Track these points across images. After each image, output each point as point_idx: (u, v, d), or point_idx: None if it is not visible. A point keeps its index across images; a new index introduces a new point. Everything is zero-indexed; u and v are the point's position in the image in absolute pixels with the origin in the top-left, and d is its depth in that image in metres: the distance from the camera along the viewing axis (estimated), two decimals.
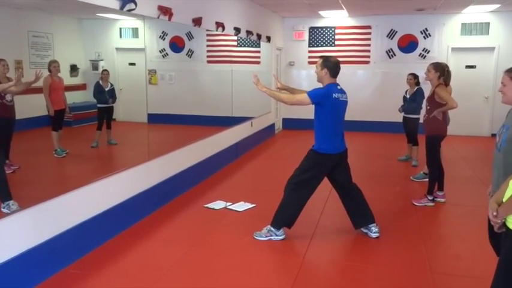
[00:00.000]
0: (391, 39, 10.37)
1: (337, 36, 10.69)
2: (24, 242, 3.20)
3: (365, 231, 4.27)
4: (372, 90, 10.70)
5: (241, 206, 5.09)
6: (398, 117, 7.54)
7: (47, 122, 5.14)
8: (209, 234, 4.33)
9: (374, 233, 4.22)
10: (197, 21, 5.96)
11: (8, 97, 4.10)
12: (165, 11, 5.05)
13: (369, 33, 10.48)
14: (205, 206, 5.12)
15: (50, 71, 5.64)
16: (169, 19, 5.15)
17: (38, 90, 4.93)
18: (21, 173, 3.95)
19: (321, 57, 4.15)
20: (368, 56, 10.58)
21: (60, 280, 3.39)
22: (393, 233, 4.38)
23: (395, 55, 10.40)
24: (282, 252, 3.96)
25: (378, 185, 6.07)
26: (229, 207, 5.08)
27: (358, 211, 4.27)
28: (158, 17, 4.96)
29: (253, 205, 5.11)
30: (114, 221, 4.20)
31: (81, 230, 3.75)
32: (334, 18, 10.52)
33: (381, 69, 10.56)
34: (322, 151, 4.05)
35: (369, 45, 10.54)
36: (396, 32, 10.30)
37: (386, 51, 10.44)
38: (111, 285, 3.38)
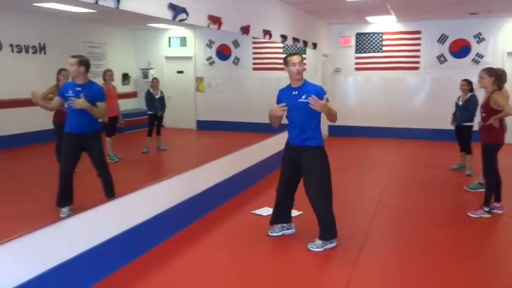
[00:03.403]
0: (442, 44, 10.04)
1: (384, 42, 10.50)
2: (82, 244, 3.34)
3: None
4: (421, 96, 10.39)
5: None
6: (451, 125, 7.28)
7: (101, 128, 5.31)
8: (256, 241, 4.32)
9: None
10: (245, 30, 6.02)
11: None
12: (215, 20, 5.13)
13: (419, 39, 10.21)
14: (253, 212, 5.14)
15: (104, 79, 5.87)
16: (219, 28, 5.24)
17: None
18: (77, 178, 4.12)
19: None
20: (417, 62, 10.31)
21: (115, 281, 3.50)
22: (447, 246, 4.21)
23: (446, 60, 10.06)
24: (331, 261, 3.89)
25: (428, 195, 5.87)
26: None
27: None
28: (208, 26, 5.05)
29: (301, 212, 5.06)
30: (164, 225, 4.29)
31: (133, 234, 3.85)
32: (382, 23, 10.34)
33: (431, 75, 10.25)
34: (323, 144, 4.06)
35: (418, 50, 10.26)
36: (447, 36, 9.97)
37: (437, 57, 10.13)
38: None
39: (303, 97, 3.94)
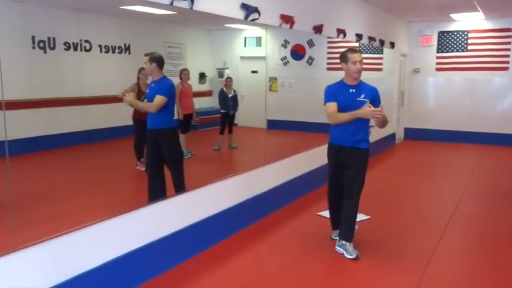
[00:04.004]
0: None
1: (470, 41, 9.85)
2: (152, 234, 3.52)
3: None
4: (510, 99, 9.62)
5: None
6: None
7: None
8: (319, 244, 4.27)
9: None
10: (318, 29, 5.97)
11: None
12: (287, 19, 5.15)
13: (509, 37, 9.46)
14: (318, 214, 5.09)
15: (181, 78, 6.14)
16: (291, 27, 5.25)
17: None
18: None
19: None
20: (507, 62, 9.55)
21: (178, 273, 3.63)
22: None
23: None
24: (397, 269, 3.73)
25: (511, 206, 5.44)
26: None
27: None
28: (280, 26, 5.08)
29: (368, 217, 4.93)
30: (229, 221, 4.38)
31: (200, 228, 3.99)
32: (468, 21, 9.71)
33: None
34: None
35: (508, 49, 9.51)
36: None
37: None
38: (224, 282, 3.52)
39: (362, 96, 3.85)
